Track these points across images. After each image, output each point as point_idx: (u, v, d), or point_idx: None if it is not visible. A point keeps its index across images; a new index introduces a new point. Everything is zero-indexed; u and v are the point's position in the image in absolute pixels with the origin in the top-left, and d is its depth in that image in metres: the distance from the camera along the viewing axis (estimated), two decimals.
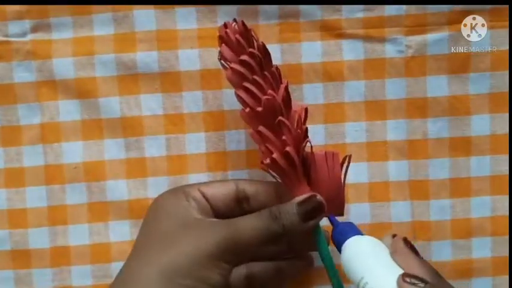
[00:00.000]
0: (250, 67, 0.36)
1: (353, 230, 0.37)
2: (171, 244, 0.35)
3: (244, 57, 0.36)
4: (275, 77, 0.37)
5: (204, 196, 0.38)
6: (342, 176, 0.38)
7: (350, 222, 0.38)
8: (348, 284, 0.36)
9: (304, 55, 0.45)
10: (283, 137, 0.35)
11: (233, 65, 0.36)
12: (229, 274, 0.35)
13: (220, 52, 0.38)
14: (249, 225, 0.35)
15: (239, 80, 0.36)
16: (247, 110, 0.36)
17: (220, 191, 0.38)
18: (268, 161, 0.36)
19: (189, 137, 0.45)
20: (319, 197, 0.36)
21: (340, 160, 0.38)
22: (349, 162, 0.39)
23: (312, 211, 0.35)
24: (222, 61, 0.38)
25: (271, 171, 0.37)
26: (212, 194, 0.38)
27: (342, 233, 0.36)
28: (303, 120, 0.37)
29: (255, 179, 0.41)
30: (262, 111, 0.35)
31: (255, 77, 0.35)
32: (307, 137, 0.37)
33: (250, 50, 0.35)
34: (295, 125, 0.36)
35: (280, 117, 0.35)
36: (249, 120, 0.36)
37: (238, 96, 0.37)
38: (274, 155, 0.35)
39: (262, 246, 0.36)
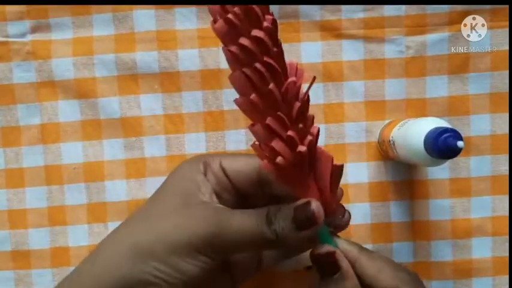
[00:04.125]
0: (251, 52, 0.29)
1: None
2: (157, 224, 0.32)
3: (243, 40, 0.29)
4: (280, 58, 0.30)
5: (224, 172, 0.35)
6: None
7: None
8: None
9: (304, 55, 0.45)
10: (290, 133, 0.30)
11: (232, 48, 0.29)
12: (209, 267, 0.32)
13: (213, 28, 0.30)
14: (241, 225, 0.31)
15: (238, 64, 0.30)
16: (251, 96, 0.29)
17: (242, 169, 0.35)
18: (280, 160, 0.30)
19: (188, 137, 0.45)
20: (317, 204, 0.31)
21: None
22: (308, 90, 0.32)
23: (307, 219, 0.31)
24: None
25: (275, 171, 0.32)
26: (233, 171, 0.35)
27: None
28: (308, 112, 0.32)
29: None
30: (264, 104, 0.30)
31: (257, 65, 0.29)
32: (318, 133, 0.32)
33: (254, 33, 0.28)
34: (302, 118, 0.31)
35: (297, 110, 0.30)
36: (247, 109, 0.30)
37: (235, 80, 0.30)
38: (285, 155, 0.30)
39: (251, 249, 0.34)
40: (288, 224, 0.31)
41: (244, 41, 0.28)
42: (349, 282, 0.32)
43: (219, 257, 0.32)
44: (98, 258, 0.34)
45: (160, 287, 0.31)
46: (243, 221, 0.32)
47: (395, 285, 0.31)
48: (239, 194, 0.35)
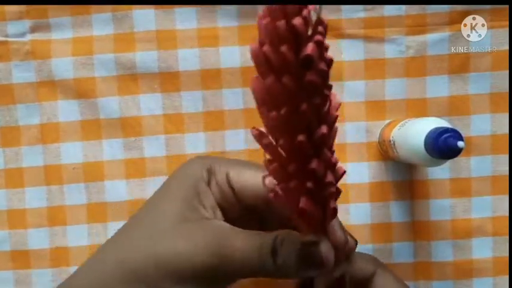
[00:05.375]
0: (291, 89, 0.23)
1: None
2: (152, 242, 0.30)
3: (286, 78, 0.23)
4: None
5: (230, 184, 0.32)
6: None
7: None
8: None
9: None
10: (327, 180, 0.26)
11: (268, 80, 0.23)
12: None
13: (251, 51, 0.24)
14: (243, 255, 0.28)
15: (271, 68, 0.24)
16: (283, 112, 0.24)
17: (250, 183, 0.32)
18: (304, 203, 0.26)
19: (188, 137, 0.45)
20: (327, 247, 0.28)
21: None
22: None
23: (313, 261, 0.28)
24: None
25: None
26: (240, 184, 0.32)
27: None
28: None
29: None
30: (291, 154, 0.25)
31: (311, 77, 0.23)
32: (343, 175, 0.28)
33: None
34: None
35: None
36: (274, 124, 0.25)
37: (266, 86, 0.24)
38: (309, 208, 0.26)
39: (248, 277, 0.30)
40: (292, 259, 0.28)
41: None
42: None
43: (216, 286, 0.30)
44: (87, 277, 0.32)
45: None
46: (246, 249, 0.29)
47: (373, 268, 0.32)
48: (244, 207, 0.33)
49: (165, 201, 0.32)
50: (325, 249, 0.27)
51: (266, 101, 0.24)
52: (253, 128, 0.26)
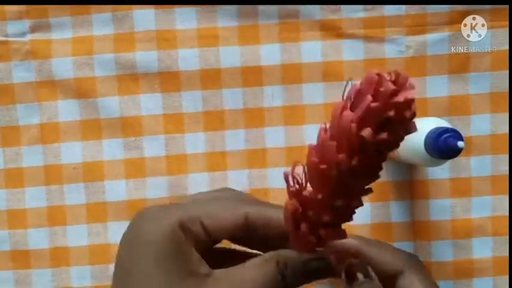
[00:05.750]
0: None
1: None
2: None
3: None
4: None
5: (206, 231, 0.29)
6: None
7: None
8: None
9: (304, 55, 0.45)
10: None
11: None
12: None
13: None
14: None
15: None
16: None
17: (226, 223, 0.30)
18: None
19: (188, 137, 0.45)
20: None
21: None
22: None
23: (319, 270, 0.28)
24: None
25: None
26: (216, 227, 0.29)
27: None
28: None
29: (267, 204, 0.32)
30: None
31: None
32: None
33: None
34: None
35: None
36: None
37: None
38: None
39: None
40: (299, 275, 0.28)
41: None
42: (375, 283, 0.31)
43: None
44: None
45: None
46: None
47: (400, 267, 0.30)
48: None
49: (144, 269, 0.27)
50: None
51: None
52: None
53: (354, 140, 0.21)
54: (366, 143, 0.21)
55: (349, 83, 0.23)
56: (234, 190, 0.33)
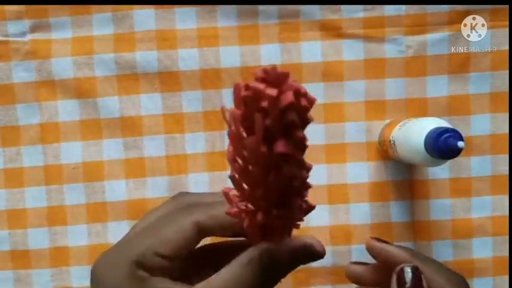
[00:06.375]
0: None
1: None
2: None
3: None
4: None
5: (164, 257, 0.29)
6: None
7: None
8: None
9: (304, 55, 0.45)
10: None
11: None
12: None
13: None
14: None
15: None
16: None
17: (181, 242, 0.29)
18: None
19: (188, 137, 0.45)
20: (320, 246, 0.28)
21: None
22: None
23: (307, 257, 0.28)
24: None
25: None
26: (173, 249, 0.29)
27: None
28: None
29: (217, 211, 0.30)
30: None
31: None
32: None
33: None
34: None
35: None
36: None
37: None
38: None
39: None
40: (286, 267, 0.28)
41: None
42: None
43: None
44: None
45: None
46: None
47: None
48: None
49: None
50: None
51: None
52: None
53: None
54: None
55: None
56: (186, 194, 0.31)
